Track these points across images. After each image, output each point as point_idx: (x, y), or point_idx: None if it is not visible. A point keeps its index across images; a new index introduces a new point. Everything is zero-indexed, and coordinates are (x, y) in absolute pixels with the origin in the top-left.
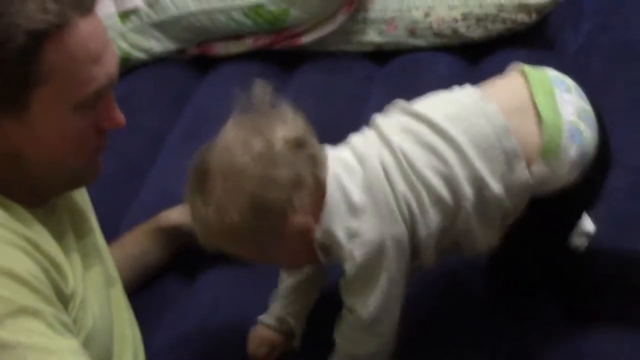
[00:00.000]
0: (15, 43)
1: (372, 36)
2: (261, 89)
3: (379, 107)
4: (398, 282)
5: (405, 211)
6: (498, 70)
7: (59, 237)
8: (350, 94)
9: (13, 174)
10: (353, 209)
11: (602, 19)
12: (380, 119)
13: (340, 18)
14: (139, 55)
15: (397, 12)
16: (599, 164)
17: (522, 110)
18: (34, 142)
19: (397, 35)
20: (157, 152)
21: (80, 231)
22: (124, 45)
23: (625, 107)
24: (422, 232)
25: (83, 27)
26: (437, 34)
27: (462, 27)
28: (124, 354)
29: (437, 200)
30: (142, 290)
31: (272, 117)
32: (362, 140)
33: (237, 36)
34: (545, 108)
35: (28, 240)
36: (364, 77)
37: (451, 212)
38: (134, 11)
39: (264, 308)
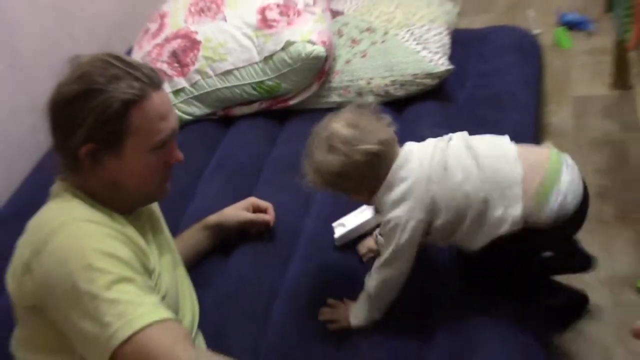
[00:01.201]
0: (112, 109)
1: (335, 98)
2: (370, 102)
3: None
4: (410, 244)
5: (432, 208)
6: (415, 116)
7: (143, 233)
8: None
9: (113, 194)
10: (401, 192)
11: (479, 80)
12: (451, 144)
13: (314, 87)
14: (186, 117)
15: (349, 82)
16: (572, 222)
17: (535, 168)
18: (126, 173)
19: (350, 97)
20: (198, 181)
21: (156, 230)
22: (176, 112)
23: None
24: (437, 222)
25: (155, 97)
26: (376, 95)
27: (391, 90)
28: (186, 310)
29: (456, 208)
30: (195, 267)
31: (375, 118)
32: (431, 153)
33: (248, 102)
34: (549, 175)
35: (124, 234)
36: None
37: (460, 217)
38: (182, 89)
39: (276, 277)
